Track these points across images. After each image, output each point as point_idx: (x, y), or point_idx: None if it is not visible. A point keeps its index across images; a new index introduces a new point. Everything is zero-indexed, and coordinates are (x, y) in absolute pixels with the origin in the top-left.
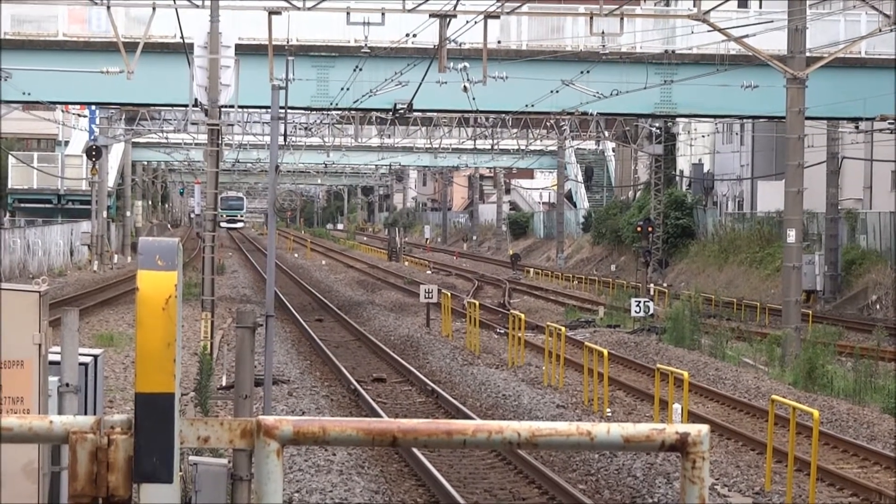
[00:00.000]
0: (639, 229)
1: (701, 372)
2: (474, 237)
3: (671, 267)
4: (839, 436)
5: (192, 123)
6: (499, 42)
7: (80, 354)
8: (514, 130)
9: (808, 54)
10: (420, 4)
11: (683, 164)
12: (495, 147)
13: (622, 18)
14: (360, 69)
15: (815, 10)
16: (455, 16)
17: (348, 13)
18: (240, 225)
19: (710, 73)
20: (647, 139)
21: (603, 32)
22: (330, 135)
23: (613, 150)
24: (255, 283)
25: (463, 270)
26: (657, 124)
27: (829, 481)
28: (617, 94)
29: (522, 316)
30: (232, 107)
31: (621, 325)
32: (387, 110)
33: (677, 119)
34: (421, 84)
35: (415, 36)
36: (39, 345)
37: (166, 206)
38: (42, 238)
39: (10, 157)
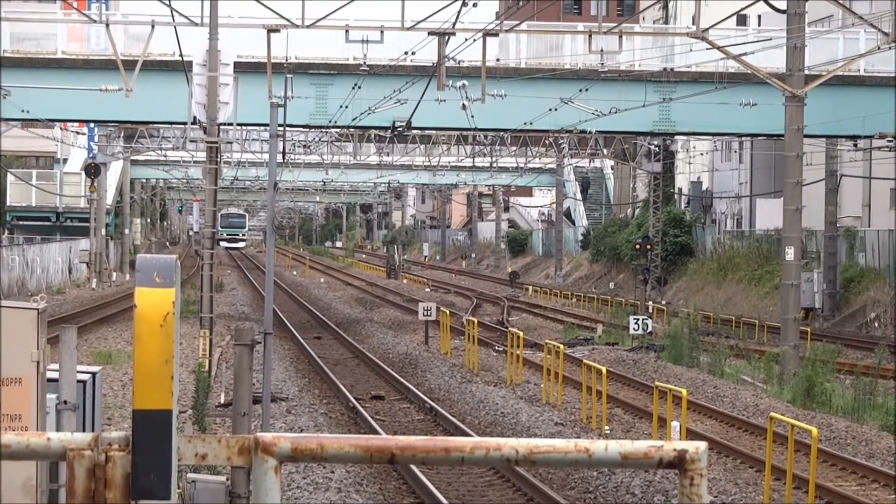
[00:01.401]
0: (637, 247)
1: (699, 389)
2: (473, 255)
3: (670, 284)
4: (838, 453)
5: (191, 141)
6: (498, 60)
7: (79, 372)
8: (513, 148)
9: (806, 72)
10: (419, 22)
11: (682, 181)
12: (494, 165)
13: (621, 36)
14: (359, 87)
15: (813, 29)
16: (454, 33)
17: (347, 31)
18: (241, 244)
19: (709, 91)
20: (646, 157)
21: (602, 50)
22: (329, 152)
23: (612, 168)
24: (253, 300)
25: (462, 288)
26: (656, 142)
27: (828, 499)
28: (616, 112)
29: (521, 334)
30: (231, 124)
31: (620, 342)
32: (385, 128)
33: (676, 137)
34: (420, 102)
35: (413, 54)
36: (37, 362)
37: (165, 223)
38: (40, 255)
39: (8, 174)
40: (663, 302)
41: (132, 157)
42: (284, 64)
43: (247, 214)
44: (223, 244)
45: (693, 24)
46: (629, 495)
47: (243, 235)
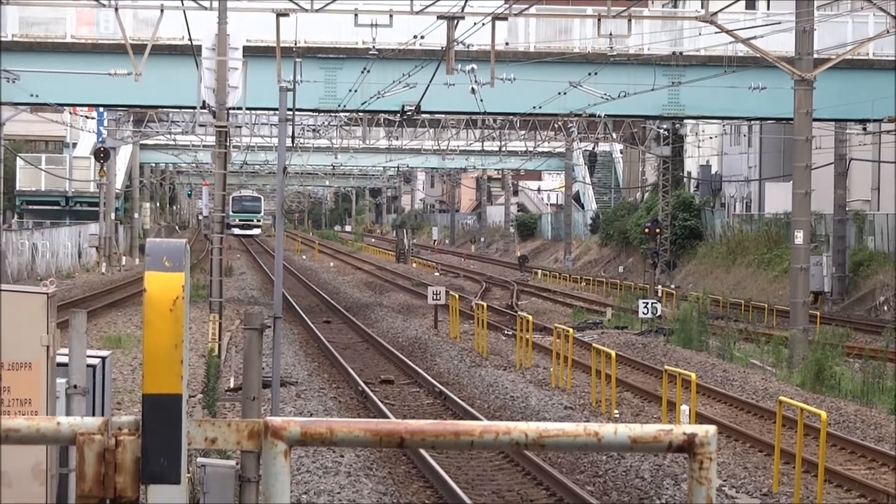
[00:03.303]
0: (646, 231)
1: (709, 373)
2: (482, 239)
3: (679, 268)
4: (847, 437)
5: (200, 125)
6: (506, 44)
7: (88, 356)
8: (522, 132)
9: (815, 56)
10: (428, 6)
11: (691, 165)
12: (503, 149)
13: (630, 20)
14: (368, 71)
15: (822, 12)
16: (463, 17)
17: (356, 15)
18: (256, 231)
19: (718, 75)
20: (655, 141)
21: (611, 34)
22: (338, 136)
23: (621, 152)
24: (262, 284)
25: (471, 272)
26: (665, 126)
27: (837, 482)
28: (625, 96)
29: (530, 318)
30: (240, 109)
31: (629, 326)
32: (395, 112)
33: (685, 121)
34: (429, 86)
35: (423, 38)
36: (47, 346)
37: (174, 207)
38: (50, 240)
39: (18, 158)
40: (672, 286)
41: (141, 142)
42: (293, 48)
43: (262, 197)
44: (235, 231)
45: (702, 7)
46: (638, 479)
47: (258, 221)
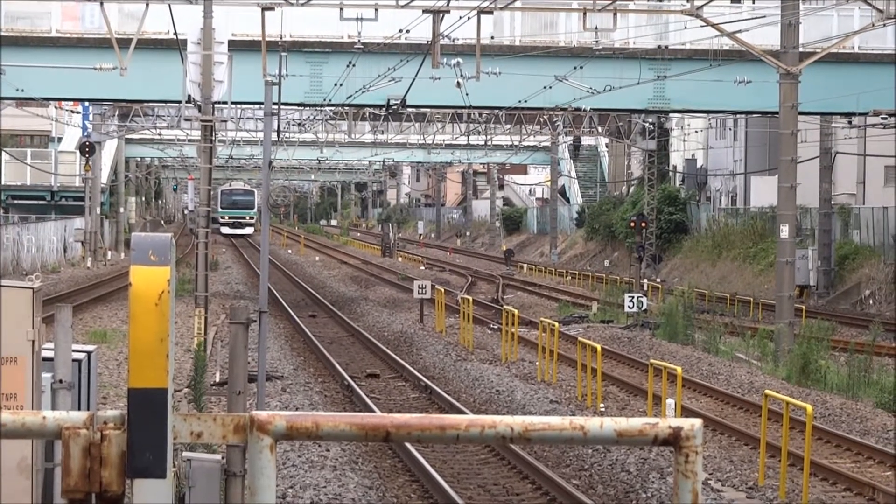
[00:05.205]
0: (632, 225)
1: (694, 367)
2: (468, 233)
3: (664, 262)
4: (832, 430)
5: (186, 119)
6: (492, 38)
7: (74, 351)
8: (508, 126)
9: (801, 49)
10: (413, 0)
11: (677, 159)
12: (489, 143)
13: (615, 14)
14: (354, 65)
15: (808, 6)
16: (448, 11)
17: (341, 9)
18: (248, 230)
19: (704, 69)
20: (641, 135)
21: (596, 28)
22: (323, 131)
23: (607, 146)
24: (248, 279)
25: (456, 266)
26: (650, 120)
27: (823, 476)
28: (610, 90)
29: (516, 312)
30: (225, 103)
31: (615, 320)
32: (380, 106)
33: (670, 114)
34: (414, 80)
35: (408, 32)
36: (33, 341)
37: (160, 202)
38: (35, 234)
39: (3, 153)
40: (658, 279)
41: (127, 136)
42: (279, 42)
43: (255, 191)
44: (224, 231)
45: (687, 1)
46: (624, 472)
47: (251, 219)
